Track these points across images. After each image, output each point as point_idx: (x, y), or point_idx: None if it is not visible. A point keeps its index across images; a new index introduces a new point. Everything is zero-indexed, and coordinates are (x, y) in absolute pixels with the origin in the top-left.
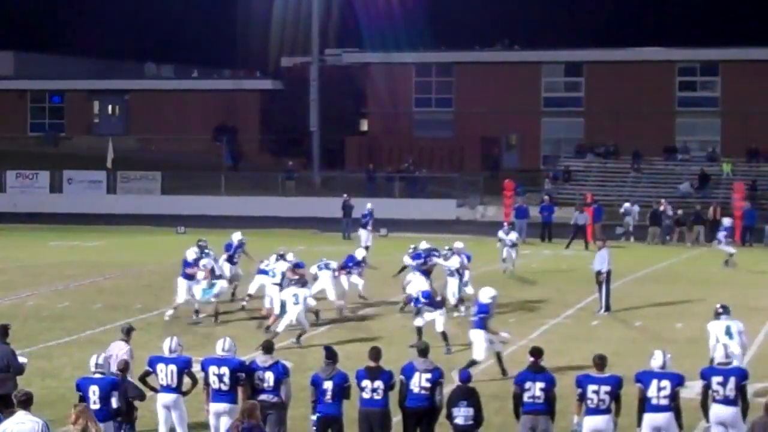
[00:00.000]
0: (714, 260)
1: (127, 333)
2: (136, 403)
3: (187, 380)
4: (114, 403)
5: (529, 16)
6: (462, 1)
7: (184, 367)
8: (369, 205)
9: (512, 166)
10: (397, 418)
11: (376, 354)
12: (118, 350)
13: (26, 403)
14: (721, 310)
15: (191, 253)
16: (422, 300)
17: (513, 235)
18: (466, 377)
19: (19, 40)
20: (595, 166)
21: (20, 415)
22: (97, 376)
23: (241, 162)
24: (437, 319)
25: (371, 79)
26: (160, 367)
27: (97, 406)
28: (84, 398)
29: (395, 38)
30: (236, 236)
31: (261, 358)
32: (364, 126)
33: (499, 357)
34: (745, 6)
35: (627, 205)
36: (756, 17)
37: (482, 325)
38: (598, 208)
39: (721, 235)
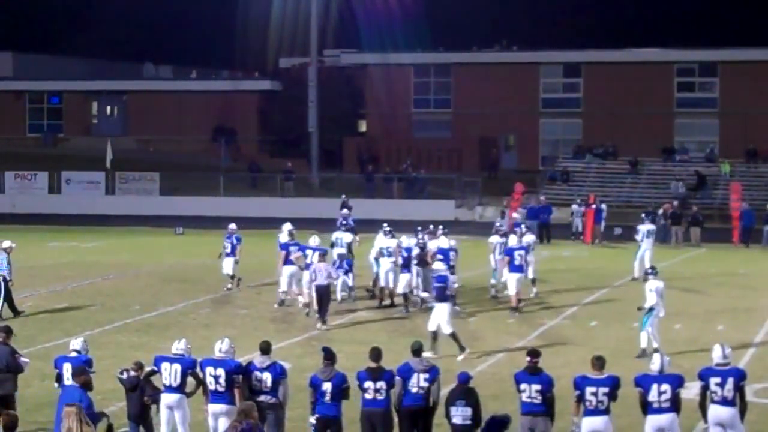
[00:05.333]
0: (711, 261)
1: (324, 254)
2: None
3: (191, 380)
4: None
5: (528, 17)
6: (460, 2)
7: (188, 367)
8: (344, 211)
9: (511, 166)
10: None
11: (376, 354)
12: (323, 266)
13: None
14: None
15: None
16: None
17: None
18: (464, 378)
19: (18, 40)
20: (594, 166)
21: None
22: (73, 354)
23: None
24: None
25: (370, 79)
26: (165, 366)
27: (69, 383)
28: (59, 375)
29: (394, 39)
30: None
31: (259, 359)
32: (363, 127)
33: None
34: (743, 7)
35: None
36: (754, 18)
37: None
38: (599, 209)
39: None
